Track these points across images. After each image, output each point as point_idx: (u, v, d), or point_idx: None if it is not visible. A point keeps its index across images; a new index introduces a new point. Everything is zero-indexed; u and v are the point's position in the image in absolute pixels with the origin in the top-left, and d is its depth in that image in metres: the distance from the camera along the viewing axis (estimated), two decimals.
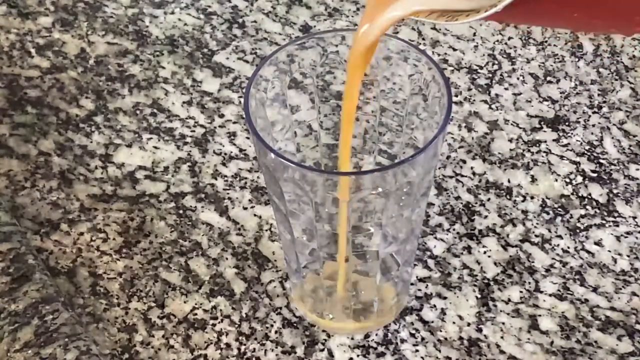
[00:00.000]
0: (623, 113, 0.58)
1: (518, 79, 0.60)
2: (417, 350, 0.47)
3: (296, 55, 0.43)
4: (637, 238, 0.52)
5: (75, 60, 0.62)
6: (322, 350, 0.48)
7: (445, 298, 0.49)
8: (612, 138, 0.57)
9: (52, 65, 0.62)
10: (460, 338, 0.48)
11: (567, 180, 0.55)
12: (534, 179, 0.55)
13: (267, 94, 0.43)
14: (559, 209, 0.53)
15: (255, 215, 0.53)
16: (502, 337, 0.48)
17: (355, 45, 0.38)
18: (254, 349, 0.48)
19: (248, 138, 0.57)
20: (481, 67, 0.61)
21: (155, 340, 0.48)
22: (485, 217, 0.53)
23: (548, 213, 0.53)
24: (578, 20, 0.35)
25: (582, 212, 0.53)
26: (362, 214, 0.42)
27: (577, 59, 0.62)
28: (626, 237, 0.52)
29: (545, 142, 0.57)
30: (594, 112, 0.58)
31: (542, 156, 0.56)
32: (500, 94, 0.60)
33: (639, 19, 0.35)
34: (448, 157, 0.56)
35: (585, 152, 0.56)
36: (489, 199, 0.54)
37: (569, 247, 0.52)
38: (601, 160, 0.56)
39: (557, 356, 0.47)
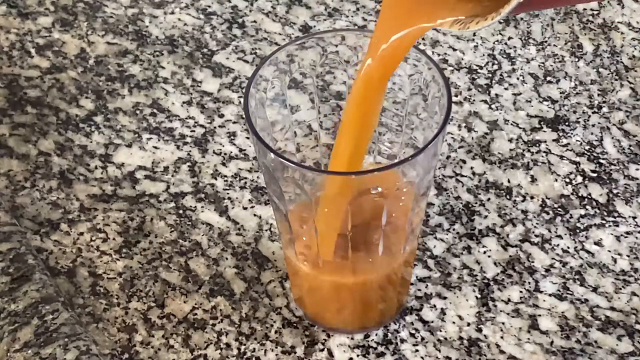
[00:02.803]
0: (623, 113, 0.58)
1: (518, 79, 0.60)
2: (417, 350, 0.47)
3: (296, 55, 0.43)
4: (637, 238, 0.52)
5: (75, 60, 0.62)
6: (322, 350, 0.48)
7: (445, 298, 0.49)
8: (612, 138, 0.57)
9: (52, 65, 0.62)
10: (460, 338, 0.48)
11: (567, 180, 0.55)
12: (533, 179, 0.55)
13: (267, 94, 0.43)
14: (559, 209, 0.53)
15: (255, 215, 0.53)
16: (502, 337, 0.48)
17: (382, 56, 0.36)
18: (254, 349, 0.48)
19: (248, 138, 0.57)
20: (481, 67, 0.61)
21: (155, 340, 0.48)
22: (485, 217, 0.53)
23: (548, 213, 0.53)
24: None
25: (582, 212, 0.53)
26: (362, 214, 0.42)
27: (577, 59, 0.62)
28: (626, 237, 0.52)
29: (545, 142, 0.57)
30: (594, 112, 0.58)
31: (542, 156, 0.56)
32: (500, 94, 0.60)
33: None
34: (448, 157, 0.56)
35: (585, 152, 0.56)
36: (488, 199, 0.54)
37: (569, 247, 0.52)
38: (601, 160, 0.56)
39: (557, 356, 0.47)
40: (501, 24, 0.64)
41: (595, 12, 0.65)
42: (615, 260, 0.51)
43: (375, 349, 0.48)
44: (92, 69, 0.62)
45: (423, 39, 0.63)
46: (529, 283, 0.50)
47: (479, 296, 0.49)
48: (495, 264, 0.51)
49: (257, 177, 0.55)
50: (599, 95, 0.59)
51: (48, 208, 0.54)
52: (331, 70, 0.45)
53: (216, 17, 0.65)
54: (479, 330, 0.48)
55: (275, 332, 0.48)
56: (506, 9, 0.31)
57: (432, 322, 0.48)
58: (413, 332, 0.48)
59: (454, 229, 0.52)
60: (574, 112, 0.59)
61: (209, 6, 0.66)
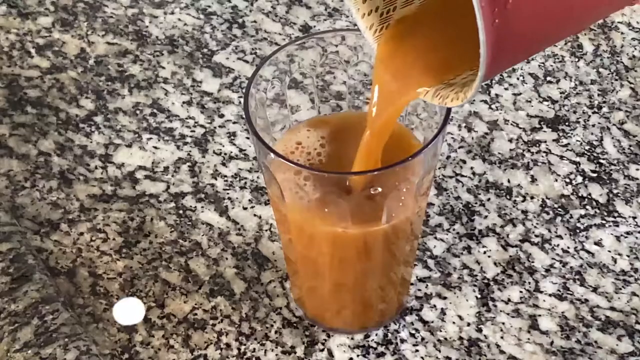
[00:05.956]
0: (623, 113, 0.58)
1: (518, 79, 0.60)
2: (417, 350, 0.47)
3: (296, 55, 0.43)
4: (637, 238, 0.52)
5: (75, 60, 0.62)
6: (322, 350, 0.48)
7: (445, 298, 0.49)
8: (612, 138, 0.57)
9: (52, 65, 0.62)
10: (460, 338, 0.48)
11: (567, 180, 0.55)
12: (534, 179, 0.55)
13: (267, 94, 0.43)
14: (559, 209, 0.53)
15: (255, 215, 0.53)
16: (502, 337, 0.48)
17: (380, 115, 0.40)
18: (254, 349, 0.48)
19: (248, 138, 0.57)
20: None
21: (155, 340, 0.48)
22: (485, 217, 0.53)
23: (548, 213, 0.53)
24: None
25: (582, 212, 0.53)
26: (363, 214, 0.42)
27: (577, 59, 0.62)
28: (626, 237, 0.52)
29: (545, 142, 0.57)
30: (594, 112, 0.58)
31: (542, 156, 0.56)
32: (500, 94, 0.60)
33: None
34: (448, 157, 0.56)
35: (585, 152, 0.56)
36: (489, 199, 0.54)
37: (569, 247, 0.52)
38: (601, 160, 0.56)
39: (557, 356, 0.47)
40: None
41: None
42: (615, 260, 0.51)
43: (375, 349, 0.48)
44: (92, 69, 0.62)
45: None
46: (529, 283, 0.50)
47: (479, 296, 0.49)
48: (495, 264, 0.51)
49: (257, 177, 0.55)
50: (599, 95, 0.59)
51: (48, 208, 0.54)
52: (331, 70, 0.45)
53: (216, 17, 0.65)
54: (479, 330, 0.48)
55: (275, 332, 0.48)
56: (471, 92, 0.33)
57: (432, 322, 0.48)
58: (413, 332, 0.48)
59: (454, 229, 0.52)
60: (574, 112, 0.59)
61: (209, 6, 0.66)
